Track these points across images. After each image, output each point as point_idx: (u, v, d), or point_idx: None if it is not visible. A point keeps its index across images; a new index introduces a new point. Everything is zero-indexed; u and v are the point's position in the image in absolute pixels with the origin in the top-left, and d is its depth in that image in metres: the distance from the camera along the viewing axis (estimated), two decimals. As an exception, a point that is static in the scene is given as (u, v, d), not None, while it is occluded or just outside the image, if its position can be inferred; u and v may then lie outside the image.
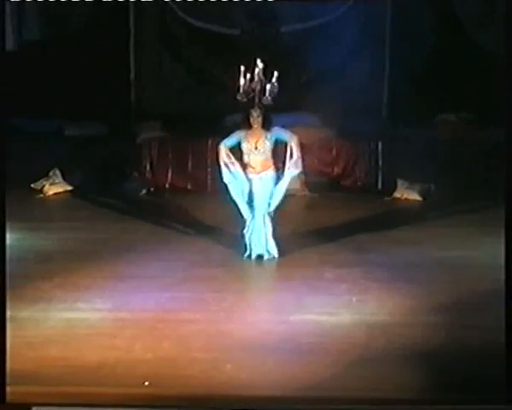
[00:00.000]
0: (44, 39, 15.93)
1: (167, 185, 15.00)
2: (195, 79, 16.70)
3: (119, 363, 7.33)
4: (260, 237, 9.87)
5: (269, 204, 9.75)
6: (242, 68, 9.35)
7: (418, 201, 14.34)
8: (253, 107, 9.53)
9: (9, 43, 14.09)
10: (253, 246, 9.97)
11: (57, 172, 14.90)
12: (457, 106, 15.74)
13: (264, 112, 9.56)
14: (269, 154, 9.61)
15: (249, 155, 9.62)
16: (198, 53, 16.79)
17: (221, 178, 9.86)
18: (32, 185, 14.68)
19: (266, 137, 9.56)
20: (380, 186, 15.19)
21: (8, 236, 6.69)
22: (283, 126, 15.54)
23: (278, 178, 9.76)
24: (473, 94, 15.08)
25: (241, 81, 9.35)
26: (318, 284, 9.50)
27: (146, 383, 6.86)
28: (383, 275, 9.77)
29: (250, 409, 6.68)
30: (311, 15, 16.17)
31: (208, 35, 16.31)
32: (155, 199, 14.51)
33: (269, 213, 9.82)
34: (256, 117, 9.51)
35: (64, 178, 14.90)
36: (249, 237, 9.98)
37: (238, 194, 9.83)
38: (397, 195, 14.56)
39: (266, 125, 9.63)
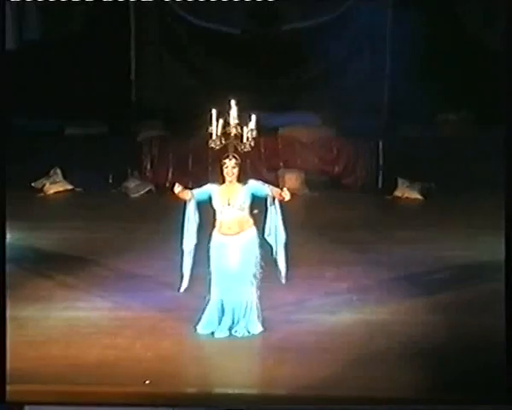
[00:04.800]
0: (45, 39, 15.94)
1: (168, 184, 14.99)
2: (196, 77, 16.70)
3: (120, 362, 7.33)
4: (239, 313, 7.97)
5: (254, 273, 7.95)
6: (214, 111, 7.83)
7: (419, 200, 14.35)
8: (227, 156, 7.88)
9: (9, 43, 14.09)
10: (223, 323, 7.99)
11: (58, 171, 14.93)
12: (458, 105, 15.76)
13: (240, 163, 7.89)
14: (246, 211, 7.88)
15: (222, 212, 7.86)
16: (198, 52, 16.81)
17: (181, 243, 8.03)
18: (33, 184, 14.71)
19: (241, 192, 7.85)
20: (380, 185, 15.23)
21: (8, 235, 6.70)
22: (284, 125, 15.73)
23: (261, 240, 7.99)
24: (473, 93, 15.09)
25: (214, 125, 7.84)
26: (319, 282, 9.51)
27: (146, 382, 6.87)
28: (383, 274, 9.79)
29: (250, 408, 6.69)
30: (311, 14, 16.18)
31: (208, 34, 16.32)
32: (156, 198, 14.52)
33: (254, 282, 7.98)
34: (231, 168, 7.83)
35: (64, 176, 14.93)
36: (217, 315, 8.02)
37: (214, 262, 7.95)
38: (397, 194, 14.58)
39: (242, 179, 7.99)
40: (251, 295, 7.97)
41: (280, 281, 8.09)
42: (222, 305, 7.99)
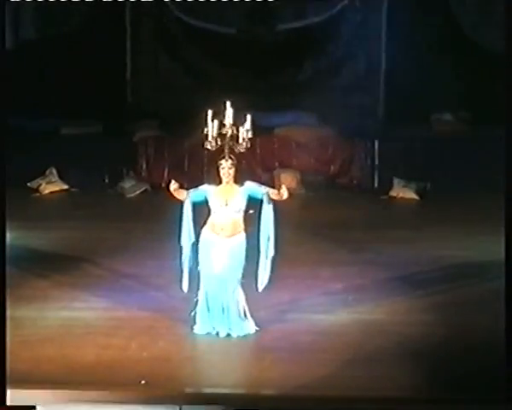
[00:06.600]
0: (41, 38, 15.92)
1: (163, 184, 14.96)
2: (192, 77, 16.69)
3: (116, 362, 7.31)
4: (224, 314, 7.95)
5: (242, 275, 7.90)
6: (210, 112, 7.76)
7: (414, 199, 14.36)
8: (223, 157, 7.82)
9: (7, 42, 14.06)
10: (215, 324, 7.97)
11: (53, 170, 14.91)
12: (454, 105, 15.78)
13: (236, 163, 7.85)
14: (241, 214, 7.84)
15: (218, 213, 7.80)
16: (194, 52, 16.80)
17: (179, 239, 7.97)
18: (29, 184, 14.68)
19: (239, 194, 7.80)
20: (376, 185, 15.24)
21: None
22: (280, 125, 15.71)
23: (248, 245, 7.91)
24: (470, 93, 15.12)
25: (209, 126, 7.79)
26: (315, 282, 9.50)
27: (142, 382, 6.85)
28: (379, 274, 9.78)
29: (247, 408, 6.67)
30: (307, 14, 16.18)
31: (204, 34, 16.31)
32: (151, 198, 14.50)
33: (239, 284, 7.92)
34: (227, 169, 7.78)
35: (60, 176, 14.91)
36: (206, 314, 8.00)
37: (201, 259, 7.92)
38: (393, 193, 14.59)
39: (239, 180, 7.94)
40: (236, 296, 7.90)
41: (257, 288, 7.99)
42: (207, 304, 7.93)
